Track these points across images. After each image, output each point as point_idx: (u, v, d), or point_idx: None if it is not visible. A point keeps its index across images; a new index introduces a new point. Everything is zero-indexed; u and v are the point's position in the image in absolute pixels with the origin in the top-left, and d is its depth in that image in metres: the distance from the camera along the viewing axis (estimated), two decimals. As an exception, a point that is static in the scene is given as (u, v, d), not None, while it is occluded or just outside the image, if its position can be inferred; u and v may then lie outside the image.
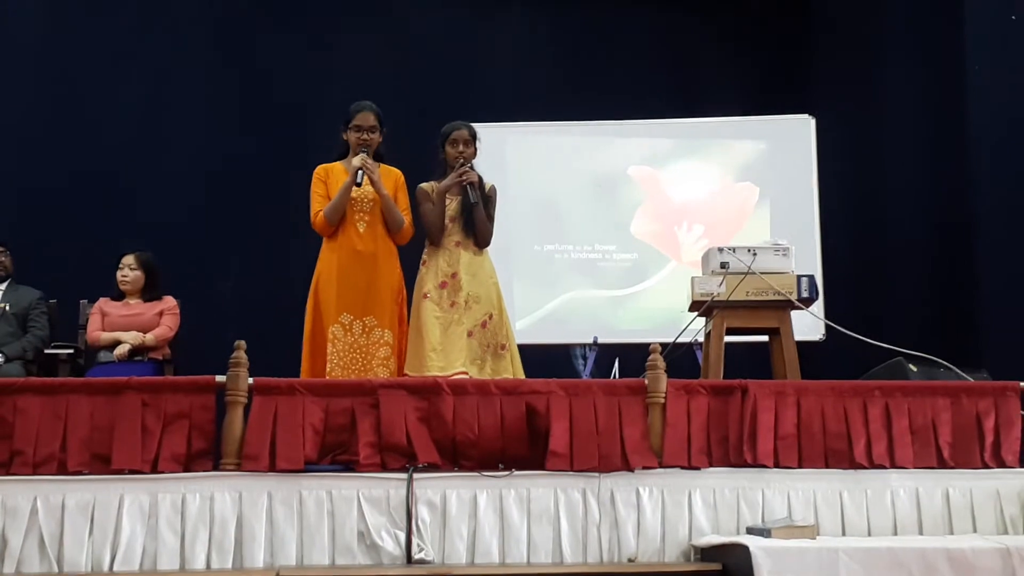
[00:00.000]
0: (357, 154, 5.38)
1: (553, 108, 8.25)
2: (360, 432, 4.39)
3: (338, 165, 5.48)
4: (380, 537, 4.20)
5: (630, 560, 4.30)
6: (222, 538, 4.15)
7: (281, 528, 4.19)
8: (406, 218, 5.45)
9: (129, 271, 5.99)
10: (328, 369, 5.20)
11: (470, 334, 5.28)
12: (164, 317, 5.92)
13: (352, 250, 5.35)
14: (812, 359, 6.35)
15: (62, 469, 4.22)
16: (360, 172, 5.28)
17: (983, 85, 6.89)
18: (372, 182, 5.32)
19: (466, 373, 5.10)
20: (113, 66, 8.23)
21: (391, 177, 5.50)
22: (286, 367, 5.16)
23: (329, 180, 5.43)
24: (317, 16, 8.64)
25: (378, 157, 5.50)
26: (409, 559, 4.17)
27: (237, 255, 7.97)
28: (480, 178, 5.52)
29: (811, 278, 5.47)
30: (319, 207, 5.38)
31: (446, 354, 5.20)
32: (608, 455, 4.43)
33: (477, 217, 5.40)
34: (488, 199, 5.53)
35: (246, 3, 8.65)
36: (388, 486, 4.27)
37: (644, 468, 4.43)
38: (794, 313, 5.52)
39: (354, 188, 5.33)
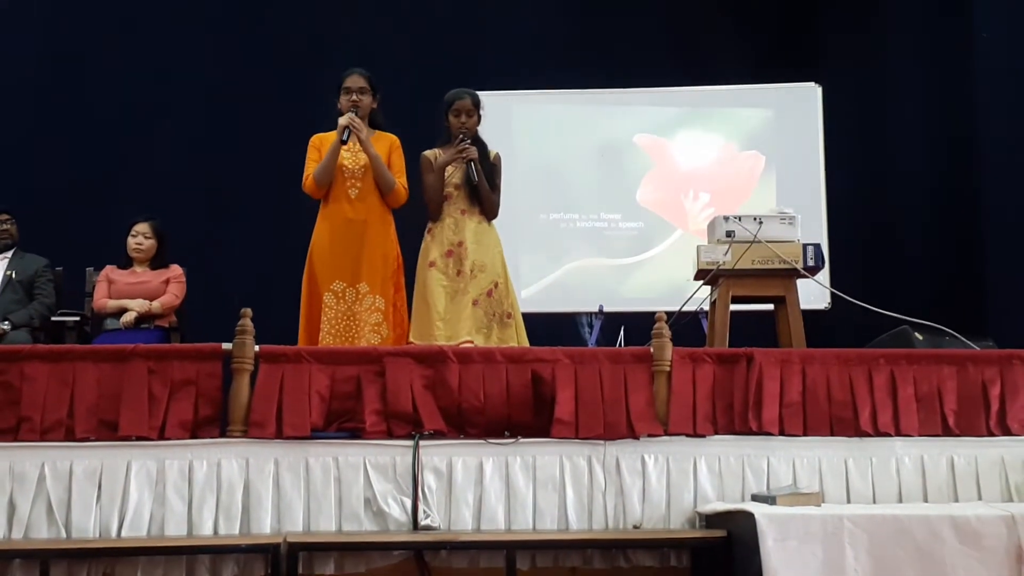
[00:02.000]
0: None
1: (559, 76, 8.20)
2: (366, 399, 4.40)
3: (333, 134, 5.43)
4: (386, 504, 4.22)
5: (635, 527, 4.32)
6: (229, 504, 4.16)
7: (288, 494, 4.20)
8: (398, 180, 5.42)
9: (144, 239, 5.98)
10: (321, 336, 5.18)
11: (475, 303, 5.25)
12: (170, 285, 5.90)
13: (344, 218, 5.34)
14: (818, 327, 6.36)
15: (69, 435, 4.23)
16: (347, 130, 5.27)
17: (990, 52, 6.85)
18: (360, 140, 5.30)
19: (472, 342, 5.08)
20: (118, 33, 8.19)
21: (386, 141, 5.47)
22: (292, 335, 5.18)
23: (323, 148, 5.41)
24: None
25: (373, 124, 5.48)
26: (415, 525, 4.19)
27: (242, 223, 7.96)
28: (484, 145, 5.49)
29: (817, 247, 5.46)
30: (311, 171, 5.38)
31: (452, 323, 5.19)
32: (613, 423, 4.43)
33: (481, 193, 5.38)
34: (493, 168, 5.50)
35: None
36: (394, 453, 4.28)
37: (649, 436, 4.44)
38: (800, 281, 5.50)
39: (344, 154, 5.34)
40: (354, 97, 5.37)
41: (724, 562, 4.06)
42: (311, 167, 5.39)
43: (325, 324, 5.20)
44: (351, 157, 5.37)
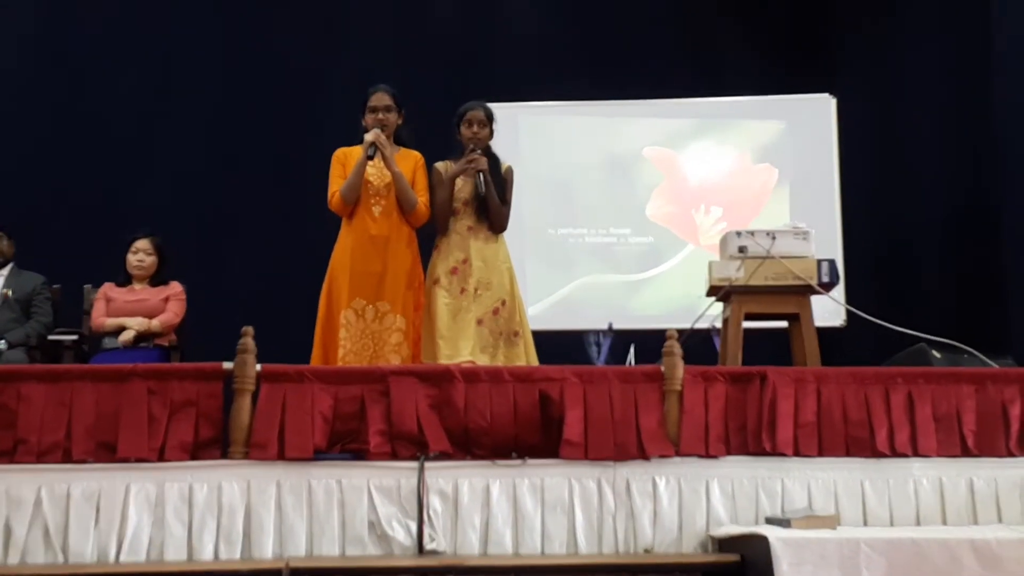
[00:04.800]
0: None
1: (568, 87, 8.19)
2: (370, 420, 4.34)
3: (357, 149, 5.41)
4: (391, 527, 4.16)
5: (646, 551, 4.26)
6: (230, 528, 4.11)
7: (290, 518, 4.15)
8: (421, 199, 5.37)
9: (145, 256, 5.91)
10: (341, 355, 5.15)
11: (480, 322, 5.22)
12: (170, 303, 5.83)
13: (366, 234, 5.29)
14: (833, 345, 6.30)
15: (67, 458, 4.18)
16: (373, 146, 5.23)
17: (1008, 61, 6.80)
18: (384, 158, 5.26)
19: (473, 361, 5.03)
20: (118, 49, 8.21)
21: (411, 160, 5.44)
22: (295, 354, 5.10)
23: (348, 163, 5.38)
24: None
25: (398, 140, 5.45)
26: (420, 549, 4.13)
27: (245, 239, 7.92)
28: (497, 159, 5.47)
29: (832, 262, 5.40)
30: (336, 187, 5.34)
31: (453, 342, 5.16)
32: (624, 444, 4.37)
33: (489, 205, 5.34)
34: (504, 181, 5.47)
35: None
36: (399, 475, 4.23)
37: (660, 457, 4.38)
38: (814, 298, 5.44)
39: (369, 171, 5.30)
40: (380, 116, 5.35)
41: (738, 587, 4.00)
42: (336, 183, 5.34)
43: (346, 342, 5.16)
44: (376, 174, 5.33)
